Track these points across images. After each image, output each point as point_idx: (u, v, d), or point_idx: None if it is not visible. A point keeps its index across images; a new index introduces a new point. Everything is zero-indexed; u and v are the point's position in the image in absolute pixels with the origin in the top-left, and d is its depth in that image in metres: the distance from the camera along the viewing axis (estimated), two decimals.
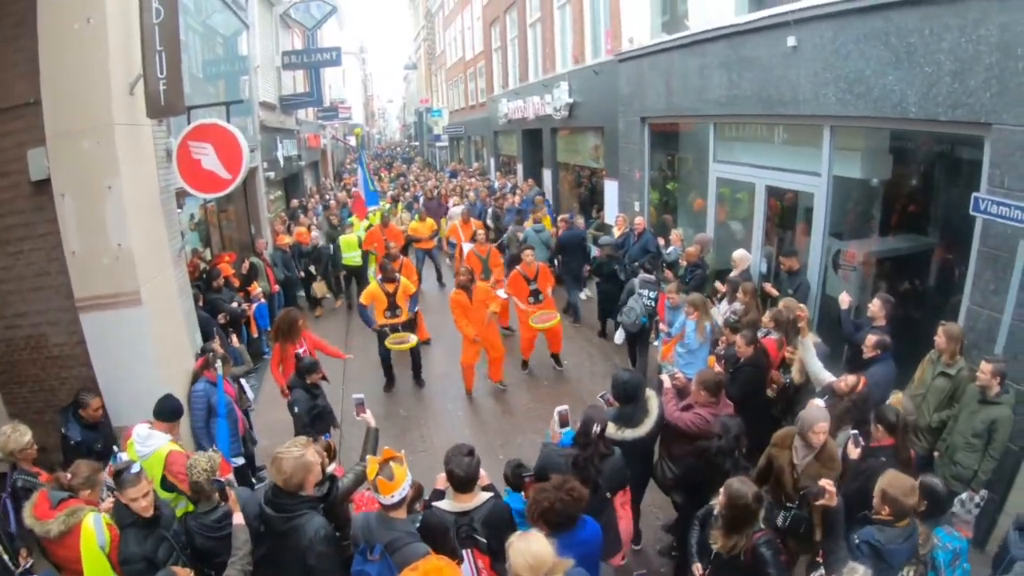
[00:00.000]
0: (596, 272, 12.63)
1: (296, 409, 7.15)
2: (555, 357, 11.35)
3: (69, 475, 5.19)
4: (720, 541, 4.44)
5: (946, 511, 5.42)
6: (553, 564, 3.47)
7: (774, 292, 8.72)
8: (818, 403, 5.78)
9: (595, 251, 13.41)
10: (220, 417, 7.05)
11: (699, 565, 4.74)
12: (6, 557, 4.99)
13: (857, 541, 4.50)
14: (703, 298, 8.48)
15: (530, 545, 3.52)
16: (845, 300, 7.37)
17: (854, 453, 5.24)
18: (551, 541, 3.63)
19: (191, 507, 5.65)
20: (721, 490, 4.49)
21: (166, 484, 5.74)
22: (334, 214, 17.21)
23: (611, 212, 15.24)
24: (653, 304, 9.94)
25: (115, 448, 6.26)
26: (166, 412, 6.16)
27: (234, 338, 8.90)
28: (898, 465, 5.03)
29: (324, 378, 7.92)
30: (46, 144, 6.53)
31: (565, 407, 5.72)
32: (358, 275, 15.34)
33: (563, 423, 5.63)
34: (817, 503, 4.61)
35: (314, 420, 7.18)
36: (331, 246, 15.32)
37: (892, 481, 4.46)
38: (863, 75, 7.44)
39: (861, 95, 7.51)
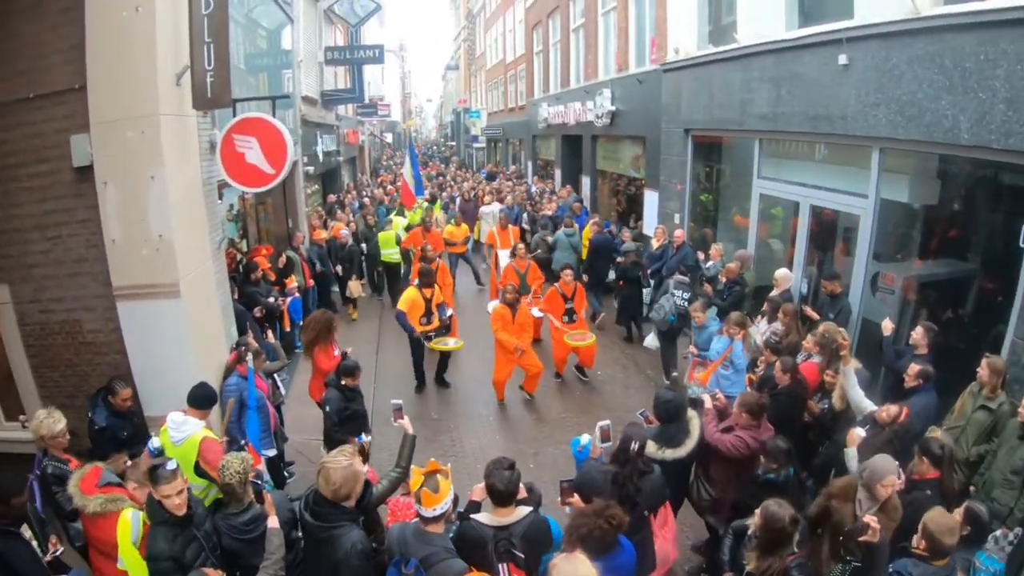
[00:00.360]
0: (619, 277, 12.81)
1: (328, 408, 7.06)
2: (581, 369, 11.33)
3: (129, 463, 5.38)
4: (754, 563, 4.40)
5: (987, 538, 5.28)
6: None
7: (814, 315, 8.51)
8: (859, 432, 5.68)
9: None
10: (251, 410, 7.03)
11: (731, 575, 4.74)
12: (36, 543, 4.95)
13: (891, 570, 4.41)
14: (744, 316, 8.33)
15: (576, 569, 3.44)
16: (888, 327, 7.22)
17: (897, 485, 5.06)
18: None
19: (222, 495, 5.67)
20: (757, 511, 4.46)
21: (199, 470, 5.74)
22: (370, 212, 17.20)
23: (650, 223, 15.08)
24: (685, 304, 10.26)
25: (152, 435, 6.21)
26: (199, 399, 6.13)
27: (269, 333, 8.84)
28: (943, 499, 4.96)
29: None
30: (90, 131, 6.52)
31: (607, 422, 5.63)
32: (393, 273, 15.54)
33: (604, 438, 5.55)
34: (860, 539, 4.50)
35: (344, 421, 7.07)
36: (363, 245, 15.25)
37: (936, 517, 4.38)
38: (915, 98, 7.26)
39: (913, 118, 7.33)
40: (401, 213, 17.79)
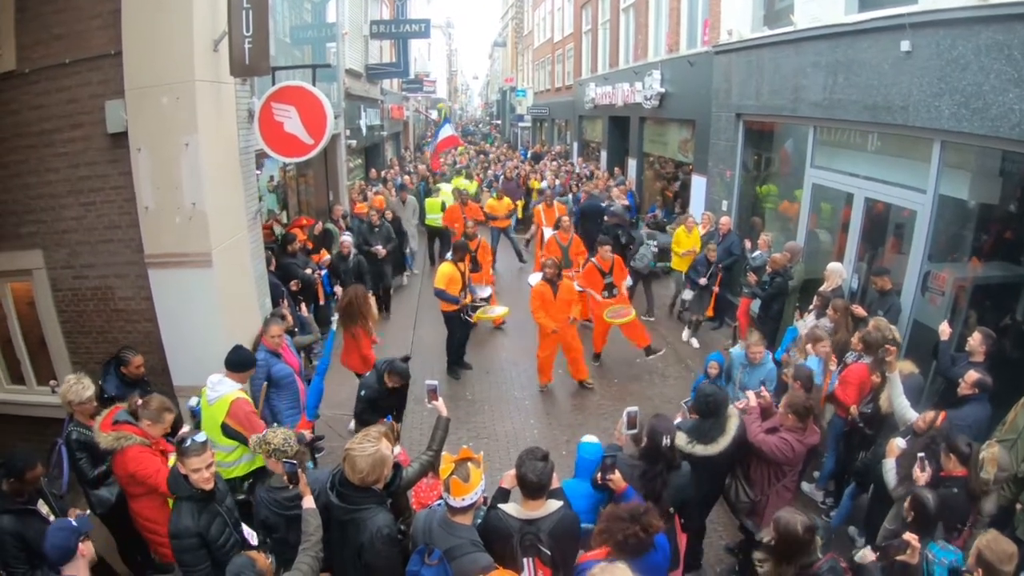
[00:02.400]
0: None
1: (363, 392, 6.73)
2: (646, 350, 10.97)
3: (140, 402, 5.58)
4: (769, 568, 4.28)
5: (935, 526, 5.09)
6: None
7: (862, 313, 8.21)
8: (899, 443, 5.53)
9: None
10: (317, 383, 7.20)
11: None
12: (52, 518, 4.89)
13: None
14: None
15: None
16: (945, 332, 6.80)
17: (921, 479, 5.00)
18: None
19: (259, 460, 5.73)
20: (772, 522, 4.29)
21: (227, 431, 5.80)
22: (410, 187, 17.43)
23: (697, 209, 14.79)
24: (658, 251, 13.09)
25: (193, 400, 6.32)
26: (234, 363, 6.14)
27: (303, 307, 8.68)
28: (968, 496, 4.93)
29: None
30: (124, 96, 6.49)
31: (635, 408, 5.40)
32: (442, 237, 15.90)
33: (631, 425, 5.34)
34: (897, 558, 4.26)
35: (376, 409, 6.72)
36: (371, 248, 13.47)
37: (992, 544, 4.11)
38: (981, 89, 6.90)
39: (978, 111, 6.97)
40: (449, 180, 18.60)
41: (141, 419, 5.47)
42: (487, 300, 10.97)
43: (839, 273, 8.88)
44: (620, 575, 3.35)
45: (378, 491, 4.18)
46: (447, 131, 20.42)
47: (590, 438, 5.45)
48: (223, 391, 5.86)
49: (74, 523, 4.34)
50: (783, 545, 4.16)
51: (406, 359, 6.85)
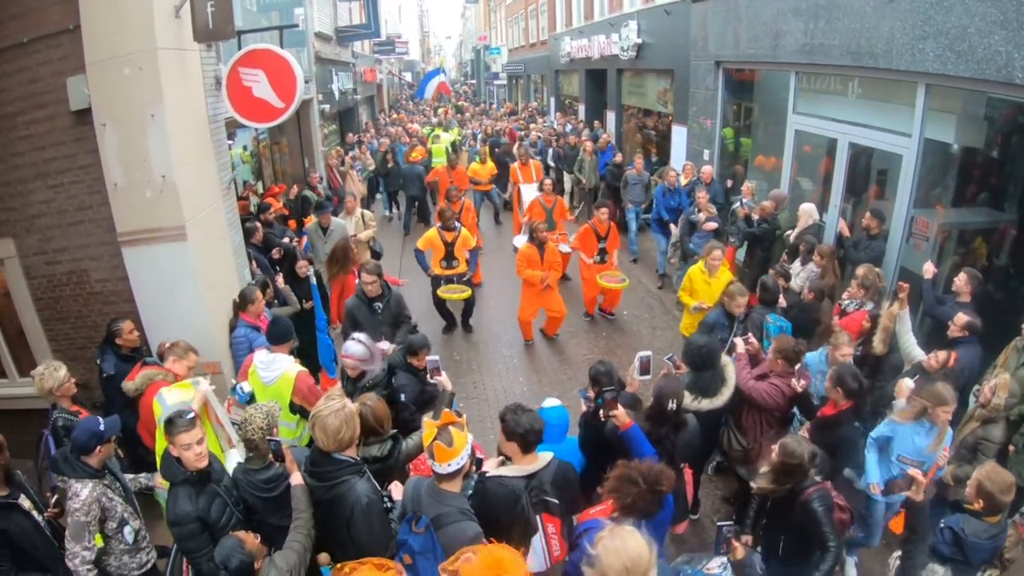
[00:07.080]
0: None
1: (403, 396, 5.98)
2: (603, 309, 11.24)
3: (168, 344, 5.97)
4: (765, 485, 4.40)
5: (776, 302, 6.88)
6: (649, 562, 3.05)
7: (847, 232, 8.63)
8: (908, 383, 5.48)
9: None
10: (323, 340, 7.47)
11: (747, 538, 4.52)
12: (35, 513, 4.73)
13: (942, 524, 4.29)
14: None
15: (627, 545, 3.09)
16: (929, 270, 6.85)
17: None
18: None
19: None
20: (775, 448, 4.40)
21: (293, 407, 5.83)
22: (382, 150, 17.52)
23: (678, 159, 14.71)
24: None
25: (233, 380, 6.26)
26: (276, 336, 6.25)
27: (279, 278, 8.43)
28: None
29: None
30: (86, 71, 6.26)
31: (648, 353, 5.33)
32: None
33: (644, 371, 5.28)
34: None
35: (422, 406, 6.09)
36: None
37: (991, 475, 4.18)
38: (966, 32, 6.75)
39: (963, 54, 6.83)
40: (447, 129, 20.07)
41: (166, 358, 5.84)
42: (472, 271, 10.78)
43: (809, 213, 8.96)
44: (629, 537, 3.18)
45: (352, 459, 4.09)
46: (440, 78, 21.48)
47: (552, 401, 5.37)
48: (281, 368, 5.88)
49: (102, 427, 4.58)
50: (783, 467, 4.27)
51: (415, 328, 6.74)
